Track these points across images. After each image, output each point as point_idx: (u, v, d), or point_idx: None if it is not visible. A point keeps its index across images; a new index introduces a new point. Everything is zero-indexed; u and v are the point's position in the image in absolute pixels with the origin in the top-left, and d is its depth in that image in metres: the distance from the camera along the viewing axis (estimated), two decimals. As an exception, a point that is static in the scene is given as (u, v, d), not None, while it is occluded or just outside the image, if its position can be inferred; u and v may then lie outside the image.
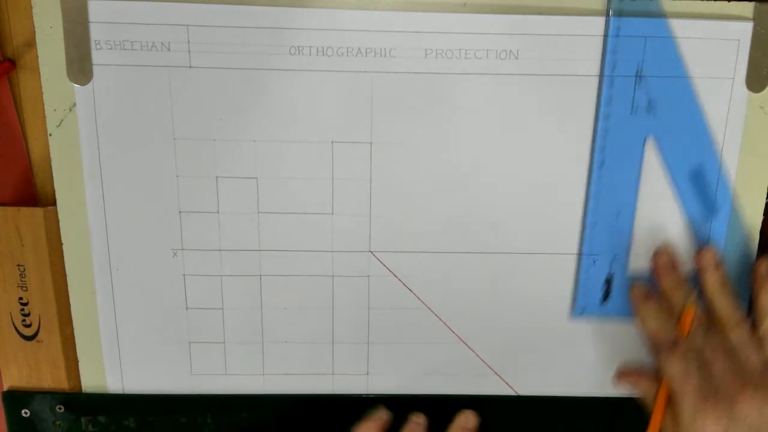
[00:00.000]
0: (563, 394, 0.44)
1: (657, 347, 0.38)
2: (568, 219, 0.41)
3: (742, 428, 0.33)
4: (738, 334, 0.37)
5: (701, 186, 0.40)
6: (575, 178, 0.41)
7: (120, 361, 0.43)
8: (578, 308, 0.43)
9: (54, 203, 0.40)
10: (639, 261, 0.42)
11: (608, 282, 0.42)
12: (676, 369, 0.36)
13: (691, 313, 0.38)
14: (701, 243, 0.41)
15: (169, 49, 0.38)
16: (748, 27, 0.39)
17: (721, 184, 0.41)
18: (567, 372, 0.44)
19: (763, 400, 0.33)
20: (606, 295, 0.42)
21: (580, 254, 0.42)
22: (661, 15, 0.38)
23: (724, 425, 0.33)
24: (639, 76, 0.38)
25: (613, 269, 0.42)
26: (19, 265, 0.41)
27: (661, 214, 0.41)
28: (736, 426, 0.33)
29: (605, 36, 0.38)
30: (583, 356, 0.44)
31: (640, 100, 0.39)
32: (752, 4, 0.38)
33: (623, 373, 0.41)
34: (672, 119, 0.39)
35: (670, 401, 0.37)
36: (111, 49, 0.38)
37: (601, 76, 0.39)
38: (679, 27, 0.38)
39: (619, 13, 0.38)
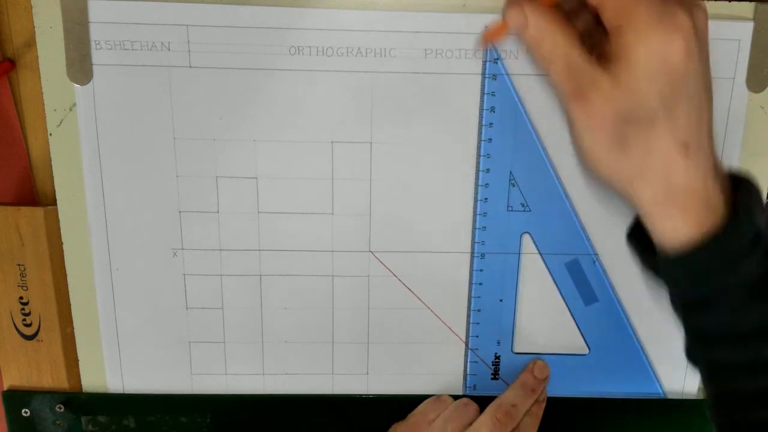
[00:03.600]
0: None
1: None
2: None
3: (701, 37, 0.29)
4: None
5: (579, 278, 0.42)
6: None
7: (120, 361, 0.43)
8: (468, 387, 0.44)
9: (54, 203, 0.40)
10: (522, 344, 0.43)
11: (496, 363, 0.43)
12: None
13: None
14: None
15: (169, 49, 0.38)
16: (748, 27, 0.38)
17: (596, 275, 0.42)
18: (567, 372, 0.44)
19: (706, 25, 0.30)
20: (495, 375, 0.44)
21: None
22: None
23: (692, 21, 0.28)
24: (512, 183, 0.40)
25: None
26: (19, 265, 0.41)
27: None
28: (698, 30, 0.29)
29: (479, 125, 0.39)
30: (583, 357, 0.44)
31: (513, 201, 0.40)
32: (752, 4, 0.38)
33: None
34: (544, 216, 0.41)
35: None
36: (111, 49, 0.38)
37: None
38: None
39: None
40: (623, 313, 0.42)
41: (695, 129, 0.29)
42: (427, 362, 0.44)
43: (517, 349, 0.43)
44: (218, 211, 0.41)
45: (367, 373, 0.44)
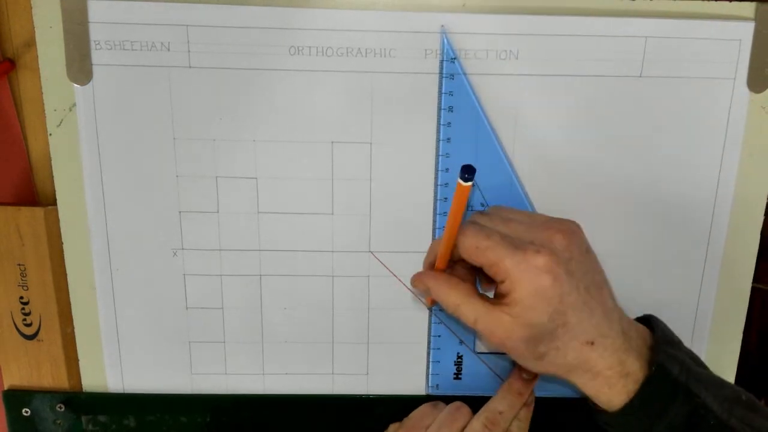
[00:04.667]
0: (565, 395, 0.44)
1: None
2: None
3: (562, 258, 0.34)
4: (509, 209, 0.38)
5: None
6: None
7: (120, 361, 0.43)
8: (432, 387, 0.44)
9: (54, 203, 0.40)
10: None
11: (458, 364, 0.44)
12: (472, 230, 0.35)
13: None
14: None
15: (169, 49, 0.38)
16: (749, 27, 0.38)
17: None
18: None
19: (570, 237, 0.34)
20: (458, 375, 0.44)
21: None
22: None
23: (547, 255, 0.33)
24: None
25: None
26: (19, 265, 0.41)
27: None
28: (557, 256, 0.33)
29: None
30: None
31: None
32: (753, 4, 0.38)
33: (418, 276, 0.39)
34: None
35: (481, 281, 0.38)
36: (111, 49, 0.38)
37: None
38: (679, 27, 0.38)
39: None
40: None
41: (593, 327, 0.34)
42: (427, 363, 0.44)
43: (479, 349, 0.43)
44: (218, 211, 0.41)
45: (367, 373, 0.44)
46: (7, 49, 0.39)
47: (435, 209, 0.41)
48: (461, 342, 0.43)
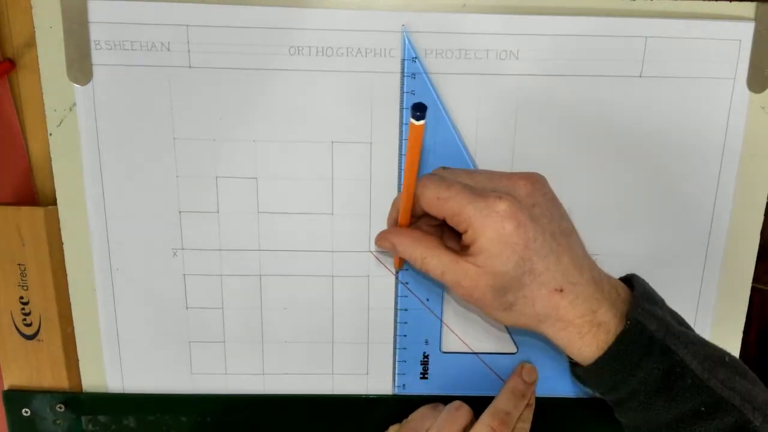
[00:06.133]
0: (566, 395, 0.44)
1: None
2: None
3: (525, 204, 0.33)
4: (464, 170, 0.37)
5: None
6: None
7: (120, 361, 0.43)
8: (399, 386, 0.44)
9: (54, 203, 0.40)
10: (449, 343, 0.43)
11: (425, 363, 0.44)
12: (432, 180, 0.34)
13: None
14: None
15: (169, 49, 0.38)
16: (749, 27, 0.38)
17: None
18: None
19: (533, 185, 0.34)
20: (424, 374, 0.44)
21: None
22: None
23: (509, 201, 0.33)
24: None
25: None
26: (19, 265, 0.41)
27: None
28: (520, 202, 0.33)
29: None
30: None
31: None
32: (753, 4, 0.38)
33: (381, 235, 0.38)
34: None
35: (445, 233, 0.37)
36: (111, 49, 0.38)
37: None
38: (679, 27, 0.38)
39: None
40: None
41: (560, 275, 0.34)
42: (428, 362, 0.44)
43: (445, 348, 0.43)
44: (218, 211, 0.41)
45: (367, 373, 0.44)
46: (7, 49, 0.39)
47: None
48: (427, 342, 0.43)
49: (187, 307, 0.42)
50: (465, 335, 0.43)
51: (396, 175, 0.40)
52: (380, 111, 0.39)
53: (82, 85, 0.38)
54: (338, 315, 0.43)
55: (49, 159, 0.39)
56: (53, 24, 0.37)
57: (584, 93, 0.39)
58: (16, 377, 0.43)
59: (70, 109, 0.39)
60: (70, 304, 0.42)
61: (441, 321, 0.42)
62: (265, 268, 0.42)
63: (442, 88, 0.39)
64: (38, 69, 0.38)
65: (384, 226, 0.40)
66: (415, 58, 0.38)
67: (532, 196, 0.34)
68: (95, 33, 0.38)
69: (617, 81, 0.39)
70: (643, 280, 0.37)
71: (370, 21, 0.38)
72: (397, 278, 0.42)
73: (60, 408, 0.43)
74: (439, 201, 0.34)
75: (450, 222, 0.34)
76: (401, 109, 0.39)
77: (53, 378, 0.43)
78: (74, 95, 0.39)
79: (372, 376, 0.44)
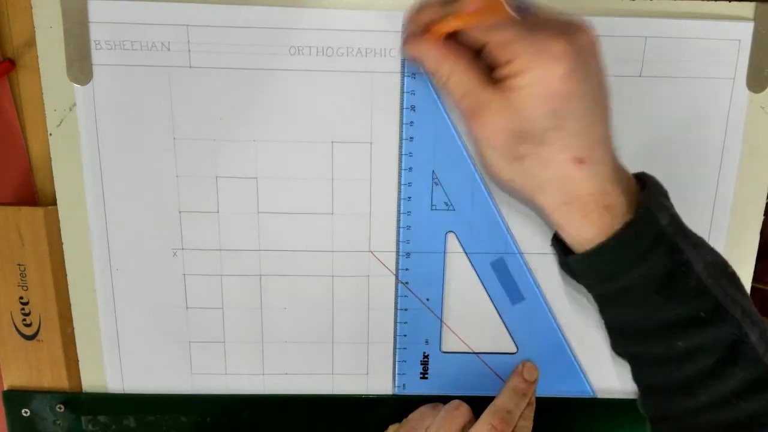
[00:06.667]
0: (566, 395, 0.44)
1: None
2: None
3: (582, 55, 0.30)
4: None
5: (504, 277, 0.42)
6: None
7: (120, 361, 0.43)
8: (399, 386, 0.44)
9: (54, 203, 0.40)
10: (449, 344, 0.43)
11: (425, 363, 0.43)
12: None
13: None
14: None
15: (169, 49, 0.38)
16: (748, 27, 0.38)
17: (522, 273, 0.42)
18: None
19: (597, 42, 0.31)
20: (424, 374, 0.44)
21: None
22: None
23: (569, 44, 0.29)
24: (435, 182, 0.40)
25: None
26: (19, 265, 0.41)
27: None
28: (579, 51, 0.30)
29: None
30: (586, 357, 0.44)
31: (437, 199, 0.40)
32: (753, 4, 0.38)
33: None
34: (468, 215, 0.41)
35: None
36: (111, 49, 0.38)
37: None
38: (679, 27, 0.38)
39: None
40: (550, 311, 0.42)
41: (587, 144, 0.31)
42: (428, 362, 0.44)
43: (445, 348, 0.43)
44: (218, 211, 0.41)
45: (367, 373, 0.44)
46: (7, 49, 0.39)
47: (399, 208, 0.41)
48: (427, 342, 0.43)
49: (187, 307, 0.42)
50: (465, 335, 0.43)
51: (396, 175, 0.40)
52: (380, 111, 0.39)
53: (82, 85, 0.38)
54: (338, 315, 0.43)
55: (49, 159, 0.39)
56: (53, 24, 0.37)
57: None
58: (15, 377, 0.43)
59: (70, 109, 0.39)
60: (70, 304, 0.42)
61: (441, 321, 0.43)
62: (265, 268, 0.42)
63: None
64: (38, 69, 0.38)
65: (384, 226, 0.41)
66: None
67: (590, 50, 0.30)
68: (95, 33, 0.38)
69: (617, 81, 0.39)
70: (655, 178, 0.34)
71: (370, 21, 0.38)
72: (397, 278, 0.42)
73: (60, 408, 0.43)
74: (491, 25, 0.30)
75: (493, 49, 0.31)
76: (401, 108, 0.39)
77: (53, 378, 0.43)
78: (74, 95, 0.39)
79: (372, 376, 0.44)
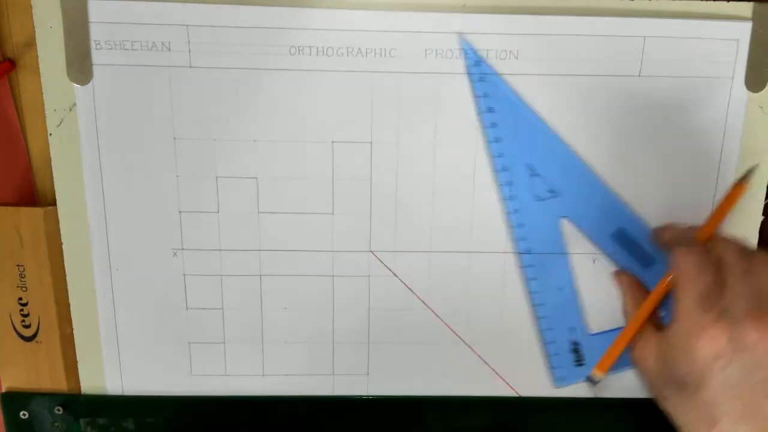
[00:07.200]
0: (565, 395, 0.44)
1: (672, 245, 0.35)
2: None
3: (743, 358, 0.28)
4: (763, 259, 0.31)
5: (630, 245, 0.41)
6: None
7: (119, 363, 0.43)
8: (558, 379, 0.44)
9: (54, 203, 0.40)
10: (596, 322, 0.43)
11: (576, 350, 0.43)
12: (688, 263, 0.31)
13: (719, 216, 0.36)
14: None
15: (169, 49, 0.38)
16: (747, 27, 0.39)
17: (646, 237, 0.41)
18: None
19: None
20: (580, 361, 0.43)
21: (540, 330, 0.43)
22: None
23: (719, 347, 0.29)
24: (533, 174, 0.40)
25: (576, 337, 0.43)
26: (18, 266, 0.41)
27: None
28: (735, 354, 0.28)
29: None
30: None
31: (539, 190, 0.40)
32: (751, 4, 0.38)
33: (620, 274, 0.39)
34: (576, 196, 0.41)
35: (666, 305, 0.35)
36: (111, 49, 0.38)
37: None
38: (678, 27, 0.38)
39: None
40: None
41: (725, 412, 0.29)
42: (428, 363, 0.44)
43: (593, 329, 0.43)
44: (218, 211, 0.41)
45: (368, 373, 0.44)
46: (7, 49, 0.39)
47: (506, 208, 0.41)
48: (572, 329, 0.42)
49: (187, 308, 0.42)
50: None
51: (395, 175, 0.40)
52: (380, 111, 0.40)
53: (82, 85, 0.38)
54: (338, 315, 0.43)
55: (49, 159, 0.39)
56: (53, 24, 0.37)
57: (584, 92, 0.39)
58: (14, 379, 0.43)
59: (70, 109, 0.39)
60: (69, 305, 0.42)
61: (579, 304, 0.42)
62: (265, 268, 0.42)
63: (441, 88, 0.39)
64: (38, 69, 0.38)
65: (383, 226, 0.41)
66: (480, 60, 0.38)
67: (761, 346, 0.28)
68: (95, 33, 0.38)
69: (616, 80, 0.39)
70: None
71: (370, 21, 0.38)
72: (525, 278, 0.42)
73: (58, 410, 0.43)
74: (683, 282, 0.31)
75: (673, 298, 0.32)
76: (480, 113, 0.39)
77: (52, 380, 0.43)
78: (74, 95, 0.39)
79: (372, 377, 0.44)
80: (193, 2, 0.37)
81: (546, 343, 0.43)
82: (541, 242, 0.41)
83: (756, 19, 0.39)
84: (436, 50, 0.39)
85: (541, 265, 0.42)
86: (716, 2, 0.39)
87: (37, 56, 0.38)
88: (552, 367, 0.43)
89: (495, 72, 0.39)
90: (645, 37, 0.39)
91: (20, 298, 0.41)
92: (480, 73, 0.39)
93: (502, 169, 0.40)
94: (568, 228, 0.41)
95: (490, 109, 0.39)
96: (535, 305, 0.42)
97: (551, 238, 0.41)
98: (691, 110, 0.40)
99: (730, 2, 0.39)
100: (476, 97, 0.39)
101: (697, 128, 0.40)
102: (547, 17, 0.38)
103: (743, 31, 0.39)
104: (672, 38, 0.39)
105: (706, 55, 0.39)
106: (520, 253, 0.42)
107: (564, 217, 0.41)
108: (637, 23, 0.38)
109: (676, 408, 0.32)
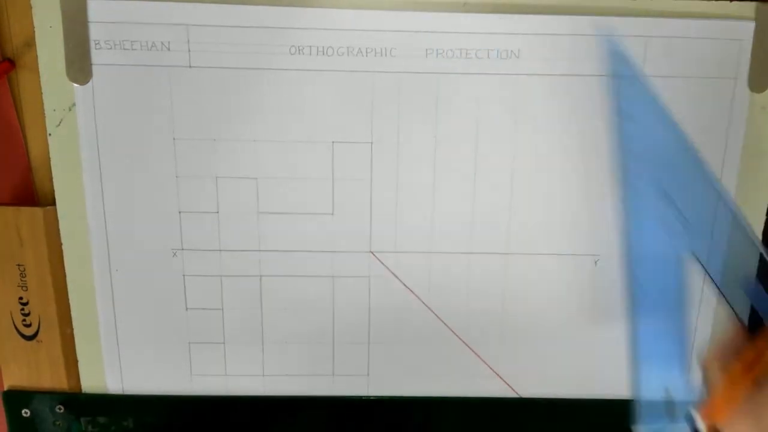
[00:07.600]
0: (565, 396, 0.44)
1: None
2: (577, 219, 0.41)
3: None
4: None
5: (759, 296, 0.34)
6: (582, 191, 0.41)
7: (120, 362, 0.43)
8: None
9: (54, 203, 0.40)
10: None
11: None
12: (729, 391, 0.31)
13: None
14: None
15: (169, 49, 0.38)
16: (750, 27, 0.38)
17: None
18: (569, 373, 0.44)
19: None
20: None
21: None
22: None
23: None
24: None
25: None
26: (19, 265, 0.41)
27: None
28: None
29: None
30: (585, 358, 0.44)
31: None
32: (754, 4, 0.38)
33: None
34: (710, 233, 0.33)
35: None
36: (111, 49, 0.38)
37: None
38: (680, 27, 0.38)
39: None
40: None
41: None
42: (428, 363, 0.43)
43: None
44: (218, 211, 0.41)
45: (368, 374, 0.44)
46: (7, 49, 0.39)
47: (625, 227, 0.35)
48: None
49: (187, 308, 0.42)
50: None
51: (395, 175, 0.40)
52: (380, 111, 0.39)
53: (81, 85, 0.38)
54: (338, 315, 0.43)
55: (49, 159, 0.39)
56: (53, 24, 0.37)
57: (584, 92, 0.39)
58: (15, 378, 0.43)
59: (70, 109, 0.39)
60: (69, 304, 0.42)
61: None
62: (265, 269, 0.42)
63: (441, 88, 0.39)
64: (38, 69, 0.38)
65: (383, 226, 0.41)
66: (625, 59, 0.35)
67: None
68: (95, 33, 0.38)
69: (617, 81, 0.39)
70: None
71: (370, 21, 0.38)
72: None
73: (59, 409, 0.43)
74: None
75: None
76: (618, 113, 0.33)
77: (52, 379, 0.43)
78: (74, 95, 0.38)
79: (372, 377, 0.44)
80: (193, 2, 0.37)
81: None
82: (657, 273, 0.34)
83: (759, 19, 0.38)
84: (437, 50, 0.38)
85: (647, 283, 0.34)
86: (719, 2, 0.38)
87: (37, 56, 0.38)
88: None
89: (638, 75, 0.34)
90: (647, 37, 0.38)
91: (21, 298, 0.41)
92: (622, 75, 0.34)
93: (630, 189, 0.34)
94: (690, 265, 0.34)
95: (631, 117, 0.33)
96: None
97: (669, 272, 0.34)
98: (693, 111, 0.40)
99: (733, 2, 0.38)
100: (615, 101, 0.33)
101: (700, 129, 0.40)
102: (547, 17, 0.38)
103: (746, 31, 0.38)
104: (674, 38, 0.38)
105: (708, 55, 0.39)
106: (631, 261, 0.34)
107: (690, 252, 0.34)
108: (640, 23, 0.38)
109: None
